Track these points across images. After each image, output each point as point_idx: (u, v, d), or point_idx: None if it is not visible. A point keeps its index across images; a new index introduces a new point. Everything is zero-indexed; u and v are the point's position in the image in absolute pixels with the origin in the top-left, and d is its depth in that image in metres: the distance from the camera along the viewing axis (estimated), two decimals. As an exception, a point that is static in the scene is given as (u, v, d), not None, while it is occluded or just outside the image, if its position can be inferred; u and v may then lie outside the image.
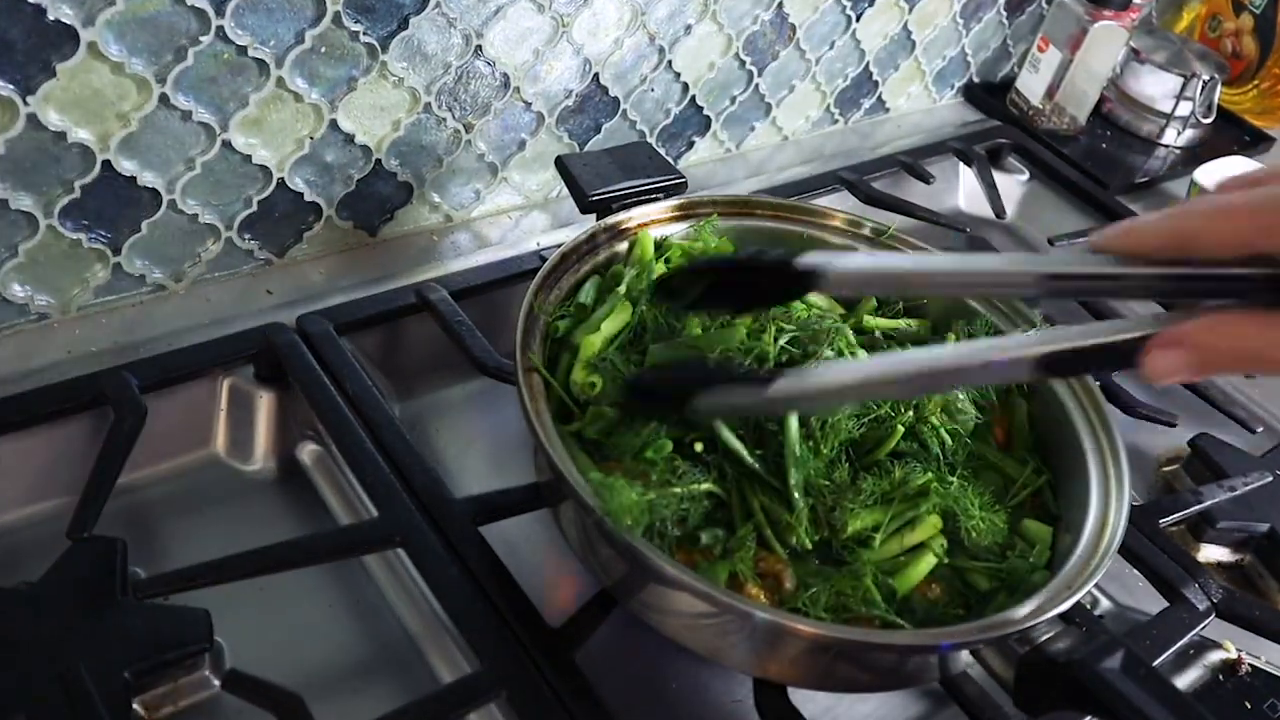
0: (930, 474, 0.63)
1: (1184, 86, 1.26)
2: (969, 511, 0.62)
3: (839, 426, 0.63)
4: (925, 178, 1.10)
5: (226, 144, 0.74)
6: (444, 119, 0.85)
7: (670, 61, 0.96)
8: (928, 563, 0.61)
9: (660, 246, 0.73)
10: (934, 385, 0.55)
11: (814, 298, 0.77)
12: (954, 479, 0.64)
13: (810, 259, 0.49)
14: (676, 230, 0.75)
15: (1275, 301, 0.44)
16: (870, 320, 0.75)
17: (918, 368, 0.50)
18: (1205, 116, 1.29)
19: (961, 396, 0.70)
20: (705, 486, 0.59)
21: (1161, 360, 0.45)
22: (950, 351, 0.51)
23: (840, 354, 0.66)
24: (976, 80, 1.30)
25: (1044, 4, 1.28)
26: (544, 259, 0.68)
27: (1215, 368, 0.45)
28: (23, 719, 0.51)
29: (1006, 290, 0.53)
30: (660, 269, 0.71)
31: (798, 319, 0.73)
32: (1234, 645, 0.72)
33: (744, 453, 0.61)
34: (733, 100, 1.05)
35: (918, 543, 0.61)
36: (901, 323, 0.75)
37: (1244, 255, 0.44)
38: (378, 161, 0.83)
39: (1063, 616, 0.56)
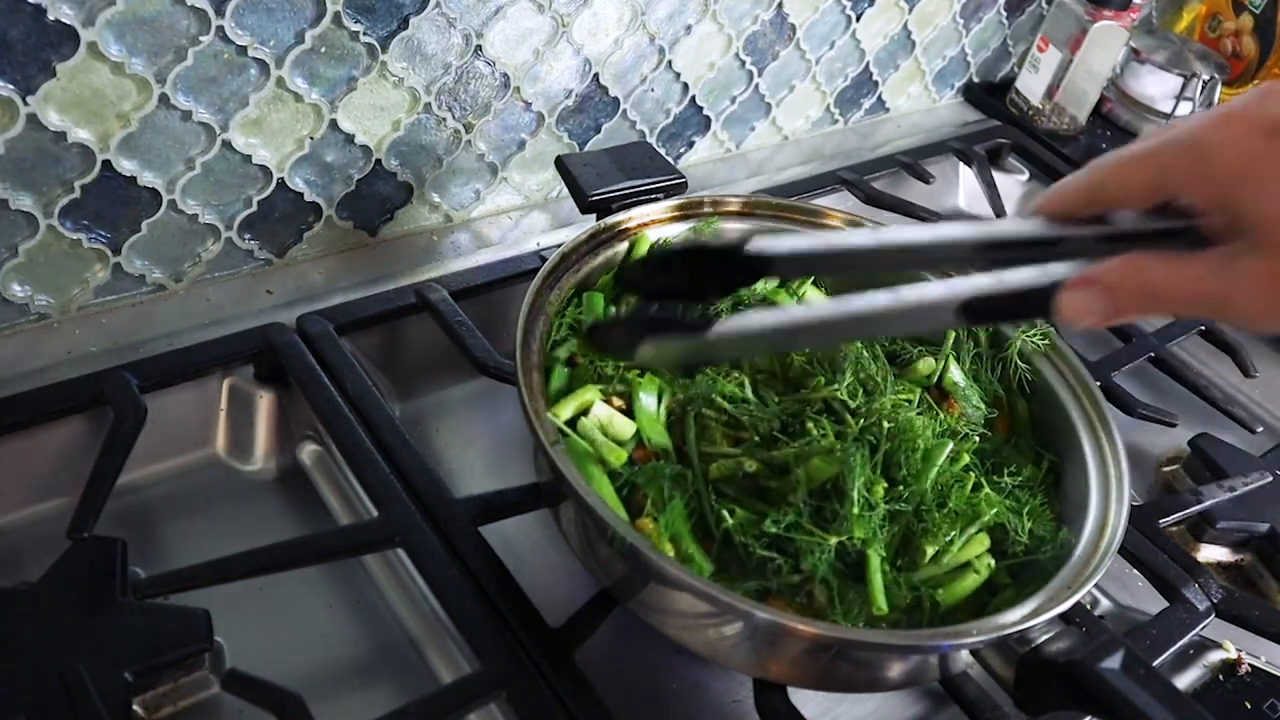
0: (985, 486, 0.64)
1: (1184, 86, 1.26)
2: (1021, 525, 0.62)
3: (931, 456, 0.63)
4: (925, 178, 1.10)
5: (226, 144, 0.74)
6: (444, 119, 0.85)
7: (670, 61, 0.96)
8: (973, 581, 0.60)
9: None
10: (860, 331, 0.56)
11: (760, 285, 0.77)
12: (1004, 480, 0.65)
13: (760, 244, 0.51)
14: (677, 230, 0.75)
15: (1185, 246, 0.45)
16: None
17: (844, 313, 0.52)
18: (1205, 116, 1.29)
19: (970, 394, 0.70)
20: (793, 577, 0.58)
21: (1074, 300, 0.47)
22: (874, 299, 0.52)
23: None
24: (976, 80, 1.30)
25: (1044, 4, 1.28)
26: (544, 259, 0.68)
27: (1127, 309, 0.46)
28: (23, 719, 0.51)
29: (946, 261, 0.54)
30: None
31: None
32: (1234, 645, 0.72)
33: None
34: (733, 100, 1.05)
35: (964, 561, 0.61)
36: None
37: (1152, 200, 0.47)
38: (378, 161, 0.83)
39: (1063, 616, 0.56)
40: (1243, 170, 0.44)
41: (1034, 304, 0.49)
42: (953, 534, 0.60)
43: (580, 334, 0.62)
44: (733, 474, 0.61)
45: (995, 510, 0.62)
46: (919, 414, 0.66)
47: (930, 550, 0.60)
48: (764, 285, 0.76)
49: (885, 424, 0.63)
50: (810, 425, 0.63)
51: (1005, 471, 0.66)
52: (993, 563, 0.61)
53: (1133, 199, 0.48)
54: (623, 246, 0.73)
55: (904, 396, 0.67)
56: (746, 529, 0.58)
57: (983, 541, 0.62)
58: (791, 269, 0.55)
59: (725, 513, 0.59)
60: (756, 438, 0.63)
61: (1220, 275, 0.44)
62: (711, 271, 0.54)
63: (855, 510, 0.58)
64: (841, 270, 0.59)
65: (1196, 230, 0.46)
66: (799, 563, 0.57)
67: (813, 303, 0.56)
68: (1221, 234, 0.45)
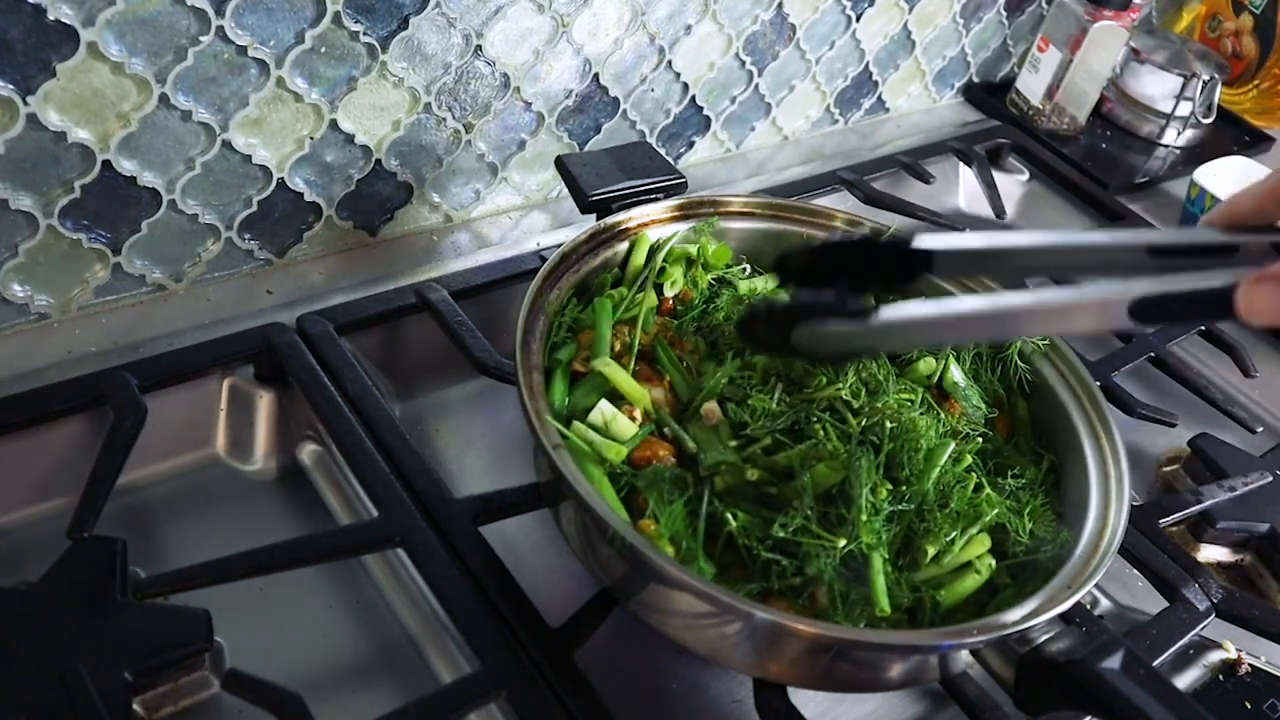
0: (986, 487, 0.64)
1: (1184, 86, 1.26)
2: (1022, 525, 0.62)
3: (934, 456, 0.63)
4: (925, 178, 1.10)
5: (226, 144, 0.74)
6: (444, 119, 0.85)
7: (670, 61, 0.96)
8: (974, 581, 0.60)
9: (655, 250, 0.73)
10: (1027, 325, 0.55)
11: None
12: (1006, 482, 0.65)
13: (925, 241, 0.51)
14: (676, 230, 0.75)
15: None
16: None
17: (1012, 306, 0.51)
18: (1205, 116, 1.29)
19: (971, 394, 0.70)
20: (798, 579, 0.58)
21: (1256, 295, 0.45)
22: (1045, 294, 0.51)
23: None
24: (976, 80, 1.30)
25: (1044, 4, 1.28)
26: (544, 259, 0.68)
27: None
28: (23, 719, 0.51)
29: (1114, 267, 0.53)
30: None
31: None
32: (1234, 645, 0.72)
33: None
34: (733, 100, 1.05)
35: (965, 561, 0.61)
36: None
37: None
38: (378, 161, 0.83)
39: (1063, 616, 0.56)
40: None
41: (1209, 304, 0.48)
42: (954, 534, 0.60)
43: (735, 326, 0.62)
44: (736, 483, 0.61)
45: (996, 510, 0.62)
46: (921, 414, 0.66)
47: (932, 550, 0.60)
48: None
49: (888, 424, 0.63)
50: (816, 428, 0.62)
51: (1009, 473, 0.66)
52: (994, 563, 0.61)
53: None
54: (623, 246, 0.73)
55: (906, 396, 0.67)
56: (750, 532, 0.58)
57: (984, 542, 0.62)
58: (953, 267, 0.55)
59: (729, 515, 0.59)
60: (758, 449, 0.63)
61: None
62: (873, 264, 0.54)
63: (864, 518, 0.58)
64: (1005, 270, 0.59)
65: None
66: (802, 566, 0.57)
67: (979, 296, 0.56)
68: None
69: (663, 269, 0.73)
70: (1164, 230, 0.50)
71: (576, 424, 0.62)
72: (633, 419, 0.63)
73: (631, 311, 0.70)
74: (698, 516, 0.59)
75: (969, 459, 0.65)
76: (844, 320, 0.53)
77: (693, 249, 0.74)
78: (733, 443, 0.63)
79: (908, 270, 0.54)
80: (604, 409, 0.62)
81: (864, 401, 0.64)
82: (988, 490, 0.64)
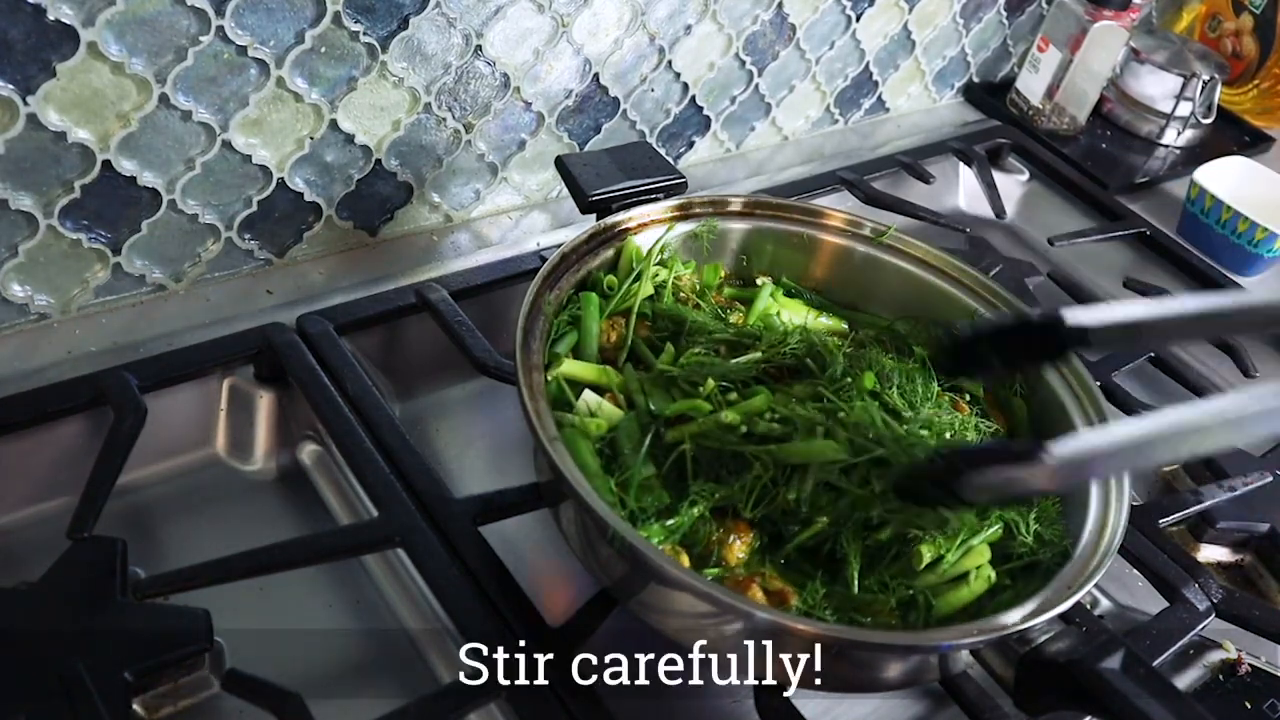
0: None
1: (1184, 86, 1.26)
2: (1027, 530, 0.62)
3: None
4: (925, 178, 1.10)
5: (226, 144, 0.74)
6: (444, 119, 0.85)
7: (670, 61, 0.96)
8: (968, 593, 0.60)
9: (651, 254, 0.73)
10: (1209, 442, 0.55)
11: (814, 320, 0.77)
12: None
13: (1078, 316, 0.53)
14: (676, 231, 0.75)
15: None
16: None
17: (1190, 423, 0.51)
18: (1205, 116, 1.29)
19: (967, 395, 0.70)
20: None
21: None
22: (1216, 407, 0.52)
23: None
24: (976, 80, 1.30)
25: (1044, 4, 1.28)
26: (544, 259, 0.68)
27: None
28: (23, 719, 0.51)
29: (1267, 324, 0.55)
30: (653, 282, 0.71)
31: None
32: (1234, 645, 0.72)
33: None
34: (733, 100, 1.05)
35: (963, 572, 0.61)
36: None
37: None
38: (378, 161, 0.83)
39: (1063, 616, 0.56)
40: None
41: None
42: (950, 546, 0.60)
43: (893, 488, 0.60)
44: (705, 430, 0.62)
45: (999, 517, 0.62)
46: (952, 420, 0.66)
47: (927, 555, 0.60)
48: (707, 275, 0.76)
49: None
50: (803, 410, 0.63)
51: None
52: (992, 575, 0.61)
53: None
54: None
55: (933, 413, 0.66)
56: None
57: (983, 553, 0.62)
58: (1109, 341, 0.56)
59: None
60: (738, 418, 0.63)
61: None
62: (1027, 346, 0.56)
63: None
64: (1163, 340, 0.60)
65: None
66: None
67: (1152, 416, 0.55)
68: None
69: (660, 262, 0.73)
70: None
71: (564, 415, 0.62)
72: (617, 403, 0.64)
73: (626, 303, 0.70)
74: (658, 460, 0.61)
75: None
76: (1013, 465, 0.52)
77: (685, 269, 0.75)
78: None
79: (1062, 347, 0.54)
80: (589, 398, 0.63)
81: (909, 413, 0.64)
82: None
